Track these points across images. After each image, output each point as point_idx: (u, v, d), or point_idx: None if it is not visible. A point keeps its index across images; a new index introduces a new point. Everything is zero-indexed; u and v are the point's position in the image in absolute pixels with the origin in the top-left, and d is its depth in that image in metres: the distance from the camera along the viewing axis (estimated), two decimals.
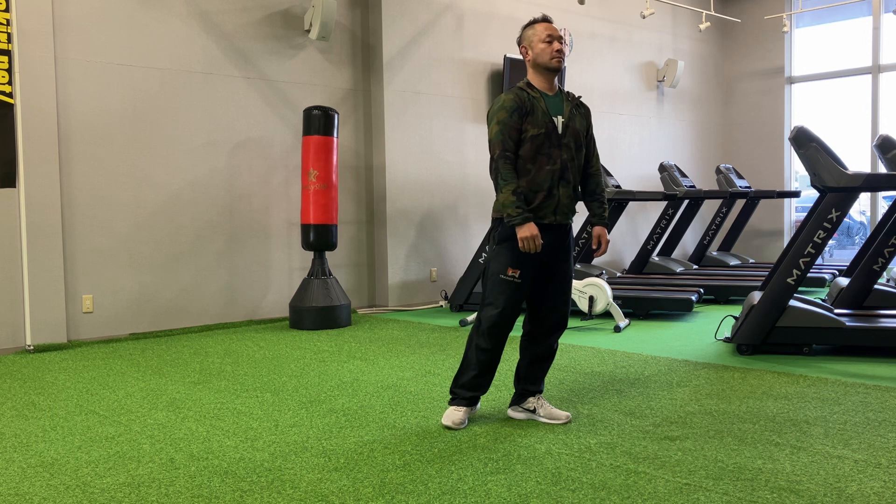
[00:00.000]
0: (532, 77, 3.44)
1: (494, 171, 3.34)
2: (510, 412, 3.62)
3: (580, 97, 3.52)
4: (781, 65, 10.54)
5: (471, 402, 3.50)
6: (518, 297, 3.38)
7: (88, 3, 5.84)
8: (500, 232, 3.39)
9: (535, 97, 3.36)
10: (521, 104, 3.32)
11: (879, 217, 8.94)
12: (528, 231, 3.26)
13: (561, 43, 3.39)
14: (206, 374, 4.67)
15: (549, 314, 3.49)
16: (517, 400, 3.60)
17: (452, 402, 3.52)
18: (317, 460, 3.05)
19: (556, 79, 3.53)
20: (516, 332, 5.69)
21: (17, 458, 3.14)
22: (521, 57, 7.95)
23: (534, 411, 3.54)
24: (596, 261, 9.45)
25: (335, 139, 6.45)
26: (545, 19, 3.45)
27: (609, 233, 8.12)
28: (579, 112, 3.46)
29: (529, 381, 3.57)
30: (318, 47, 7.10)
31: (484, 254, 7.04)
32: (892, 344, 4.78)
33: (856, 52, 10.05)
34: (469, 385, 3.47)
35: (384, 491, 2.71)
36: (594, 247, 3.56)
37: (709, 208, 10.90)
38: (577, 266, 7.83)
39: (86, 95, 5.84)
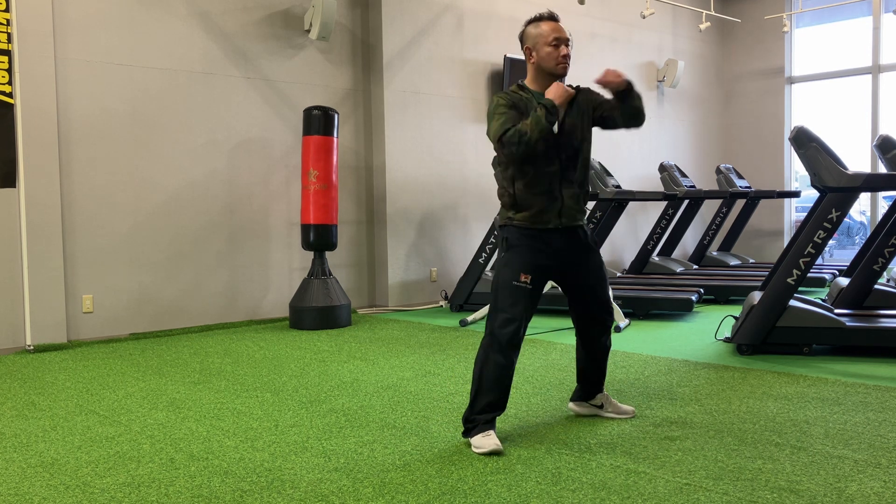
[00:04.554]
0: (532, 79, 3.27)
1: (509, 143, 3.07)
2: (573, 406, 3.64)
3: (578, 87, 3.29)
4: (781, 65, 10.54)
5: (492, 423, 3.20)
6: (530, 304, 3.20)
7: (88, 3, 5.83)
8: (510, 238, 3.22)
9: (527, 98, 3.21)
10: (514, 104, 3.18)
11: (879, 217, 8.94)
12: (555, 89, 3.11)
13: (568, 46, 3.21)
14: (206, 374, 4.67)
15: (594, 313, 3.39)
16: (583, 396, 3.61)
17: (474, 432, 3.17)
18: (317, 460, 3.05)
19: None
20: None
21: (17, 458, 3.14)
22: (521, 57, 7.97)
23: (601, 406, 3.59)
24: None
25: (335, 139, 6.45)
26: (552, 17, 3.24)
27: (609, 233, 8.11)
28: (577, 103, 3.27)
29: (594, 383, 3.57)
30: (318, 47, 7.10)
31: (484, 254, 7.03)
32: (892, 344, 4.78)
33: (856, 52, 10.05)
34: (490, 408, 3.19)
35: (384, 491, 2.71)
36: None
37: (709, 208, 10.90)
38: None
39: (86, 95, 5.84)
